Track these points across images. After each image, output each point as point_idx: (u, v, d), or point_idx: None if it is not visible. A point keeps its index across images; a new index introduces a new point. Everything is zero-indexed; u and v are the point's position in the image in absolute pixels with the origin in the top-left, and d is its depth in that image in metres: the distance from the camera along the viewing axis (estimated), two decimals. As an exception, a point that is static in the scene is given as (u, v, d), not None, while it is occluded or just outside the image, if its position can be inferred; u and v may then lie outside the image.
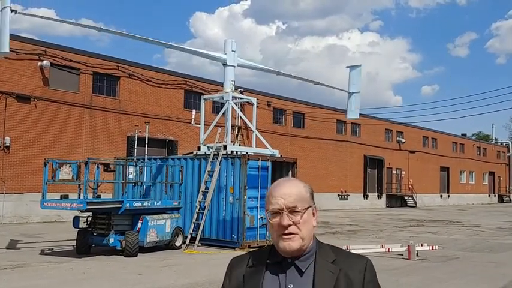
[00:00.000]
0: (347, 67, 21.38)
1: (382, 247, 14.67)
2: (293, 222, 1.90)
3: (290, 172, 17.64)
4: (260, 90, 35.62)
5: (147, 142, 18.57)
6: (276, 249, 1.97)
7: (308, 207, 1.95)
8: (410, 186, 50.25)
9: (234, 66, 18.39)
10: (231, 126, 18.48)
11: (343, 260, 1.97)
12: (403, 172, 50.31)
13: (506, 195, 71.46)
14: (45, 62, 23.71)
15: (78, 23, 15.59)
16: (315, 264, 1.94)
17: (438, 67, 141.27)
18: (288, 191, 1.94)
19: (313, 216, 1.99)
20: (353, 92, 21.15)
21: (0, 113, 22.33)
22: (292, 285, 1.91)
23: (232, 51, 18.24)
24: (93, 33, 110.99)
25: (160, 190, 17.45)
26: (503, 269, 12.54)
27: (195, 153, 18.12)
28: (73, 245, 14.41)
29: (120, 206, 13.72)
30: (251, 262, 2.02)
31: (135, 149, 21.62)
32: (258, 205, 15.85)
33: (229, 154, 16.50)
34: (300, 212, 1.92)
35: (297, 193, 1.95)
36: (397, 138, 49.73)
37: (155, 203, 15.28)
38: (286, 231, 1.90)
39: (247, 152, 16.81)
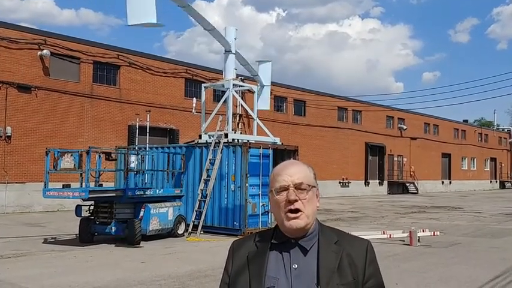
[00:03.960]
0: (256, 61, 21.83)
1: (384, 233, 14.72)
2: (299, 198, 1.93)
3: (291, 159, 17.64)
4: (261, 78, 35.46)
5: (148, 131, 18.58)
6: (279, 231, 2.00)
7: (313, 187, 1.98)
8: (411, 172, 50.28)
9: (235, 54, 18.31)
10: (232, 114, 18.45)
11: (345, 241, 2.00)
12: (405, 159, 50.31)
13: (508, 181, 71.47)
14: (45, 51, 23.64)
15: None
16: (319, 244, 1.96)
17: (439, 53, 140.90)
18: (294, 170, 1.98)
19: (317, 197, 2.02)
20: (264, 85, 21.49)
21: (1, 103, 22.32)
22: (296, 265, 1.92)
23: (234, 39, 18.11)
24: (92, 22, 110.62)
25: (162, 178, 17.48)
26: (504, 254, 12.58)
27: (196, 141, 18.12)
28: (76, 234, 14.48)
29: (122, 194, 13.76)
30: (255, 243, 2.03)
31: (137, 138, 21.68)
32: (260, 193, 15.89)
33: (230, 142, 16.50)
34: (305, 189, 1.95)
35: (302, 171, 1.99)
36: (399, 125, 49.66)
37: (157, 191, 15.32)
38: (292, 207, 1.92)
39: (248, 140, 16.81)
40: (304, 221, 1.93)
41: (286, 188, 1.94)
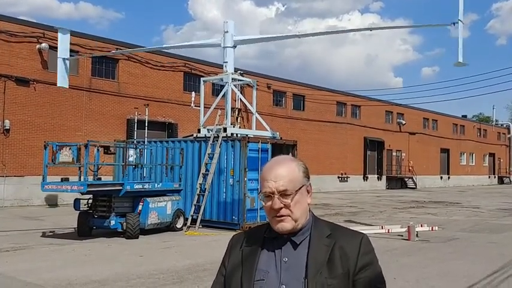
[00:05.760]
0: None
1: (382, 228, 14.73)
2: (284, 205, 1.92)
3: (290, 154, 17.60)
4: (260, 72, 35.45)
5: (146, 125, 18.55)
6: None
7: (301, 187, 1.95)
8: (410, 168, 50.30)
9: (233, 47, 18.20)
10: (231, 108, 18.41)
11: (338, 234, 1.98)
12: (403, 154, 50.32)
13: (507, 177, 71.58)
14: (44, 45, 23.55)
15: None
16: (310, 238, 1.96)
17: (439, 48, 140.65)
18: (279, 173, 1.94)
19: (308, 193, 2.00)
20: None
21: (0, 96, 22.25)
22: (286, 259, 1.93)
23: (225, 32, 17.82)
24: (91, 15, 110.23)
25: (160, 172, 17.46)
26: (502, 250, 12.60)
27: (195, 135, 18.09)
28: (74, 228, 14.47)
29: (121, 188, 13.74)
30: (248, 239, 2.06)
31: (135, 132, 21.61)
32: (259, 187, 15.82)
33: (229, 137, 16.48)
34: (290, 195, 1.92)
35: (288, 174, 1.94)
36: (398, 120, 49.63)
37: (156, 185, 15.31)
38: (277, 214, 1.92)
39: (247, 135, 16.78)
40: (291, 224, 1.93)
41: (270, 196, 1.93)
